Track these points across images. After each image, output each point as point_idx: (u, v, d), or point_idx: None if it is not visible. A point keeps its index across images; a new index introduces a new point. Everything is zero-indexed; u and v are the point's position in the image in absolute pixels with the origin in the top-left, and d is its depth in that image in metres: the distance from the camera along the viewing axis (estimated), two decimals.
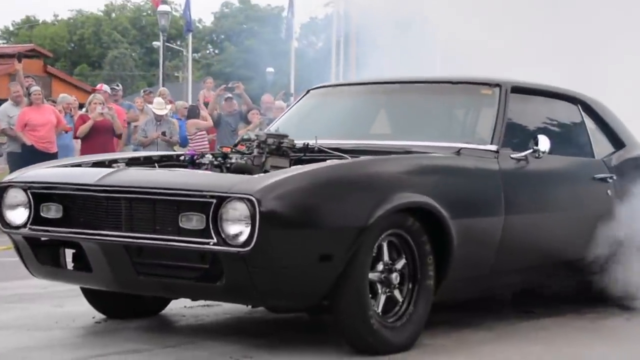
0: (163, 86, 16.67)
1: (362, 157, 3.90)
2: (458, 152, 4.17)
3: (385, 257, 3.71)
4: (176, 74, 43.32)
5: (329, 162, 3.73)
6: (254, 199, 3.32)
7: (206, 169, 4.02)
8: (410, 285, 3.79)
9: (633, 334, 4.40)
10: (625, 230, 4.64)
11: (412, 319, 3.77)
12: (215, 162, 4.04)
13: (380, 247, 3.68)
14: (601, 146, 5.00)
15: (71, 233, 3.77)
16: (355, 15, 16.86)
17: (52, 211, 3.84)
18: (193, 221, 3.46)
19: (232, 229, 3.38)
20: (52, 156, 8.70)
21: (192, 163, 4.16)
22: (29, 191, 3.90)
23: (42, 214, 3.87)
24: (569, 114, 4.95)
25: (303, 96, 5.21)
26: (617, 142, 5.10)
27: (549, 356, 3.83)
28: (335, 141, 4.30)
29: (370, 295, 3.63)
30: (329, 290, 3.54)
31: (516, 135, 4.43)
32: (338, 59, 20.25)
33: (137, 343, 3.83)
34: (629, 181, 4.85)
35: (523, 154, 4.30)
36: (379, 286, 3.70)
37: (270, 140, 4.01)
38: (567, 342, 4.11)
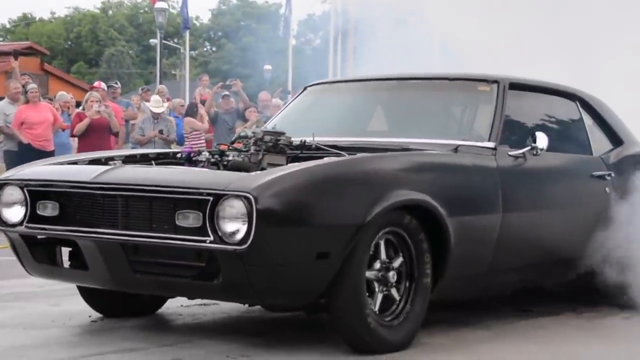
0: (160, 84, 16.63)
1: (360, 155, 3.88)
2: (455, 149, 4.16)
3: (383, 255, 3.70)
4: (173, 72, 43.29)
5: (326, 160, 3.71)
6: (250, 196, 3.31)
7: (203, 167, 4.00)
8: (407, 284, 3.78)
9: (630, 332, 4.40)
10: (623, 227, 4.63)
11: (409, 317, 3.76)
12: (212, 160, 4.03)
13: (377, 245, 3.67)
14: (599, 143, 4.99)
15: (67, 231, 3.76)
16: (353, 9, 16.88)
17: (49, 209, 3.83)
18: (190, 219, 3.44)
19: (228, 226, 3.36)
20: (49, 154, 8.66)
21: (189, 160, 4.15)
22: (25, 189, 3.88)
23: (38, 211, 3.85)
24: (567, 110, 4.94)
25: (300, 93, 5.20)
26: (615, 139, 5.10)
27: (547, 355, 3.82)
28: (333, 138, 4.29)
29: (367, 294, 3.61)
30: (326, 289, 3.53)
31: (514, 132, 4.41)
32: (335, 54, 20.24)
33: (134, 342, 3.82)
34: (627, 178, 4.85)
35: (521, 151, 4.29)
36: (376, 284, 3.69)
37: (267, 138, 3.99)
38: (565, 340, 4.10)
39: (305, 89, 5.19)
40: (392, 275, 3.71)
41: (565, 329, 4.33)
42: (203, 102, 11.11)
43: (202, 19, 56.65)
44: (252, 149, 3.99)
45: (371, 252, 3.64)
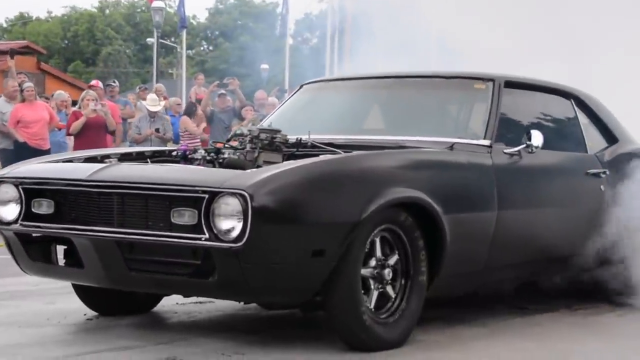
0: (157, 83, 16.61)
1: (355, 152, 3.88)
2: (451, 147, 4.16)
3: (378, 252, 3.70)
4: (170, 71, 43.24)
5: (321, 157, 3.71)
6: (246, 194, 3.31)
7: (198, 164, 4.00)
8: (403, 281, 3.78)
9: (625, 329, 4.41)
10: (617, 224, 4.64)
11: (404, 314, 3.76)
12: (208, 158, 4.03)
13: (373, 243, 3.67)
14: (594, 141, 5.00)
15: (62, 229, 3.75)
16: (351, 5, 16.91)
17: (44, 207, 3.82)
18: (185, 217, 3.44)
19: (224, 224, 3.36)
20: (45, 153, 8.66)
21: (185, 158, 4.14)
22: (20, 187, 3.87)
23: (33, 209, 3.85)
24: (562, 109, 4.95)
25: (296, 91, 5.20)
26: (610, 137, 5.11)
27: (542, 352, 3.82)
28: (329, 136, 4.29)
29: (362, 291, 3.61)
30: (322, 286, 3.53)
31: (509, 130, 4.42)
32: (333, 52, 20.25)
33: (129, 340, 3.82)
34: (622, 176, 4.85)
35: (516, 148, 4.30)
36: (371, 282, 3.69)
37: (263, 136, 3.99)
38: (560, 338, 4.11)
39: (301, 86, 5.20)
40: (387, 273, 3.71)
41: (561, 326, 4.34)
42: (199, 101, 11.10)
43: (199, 18, 56.72)
44: (248, 146, 3.99)
45: (367, 250, 3.64)
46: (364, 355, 3.60)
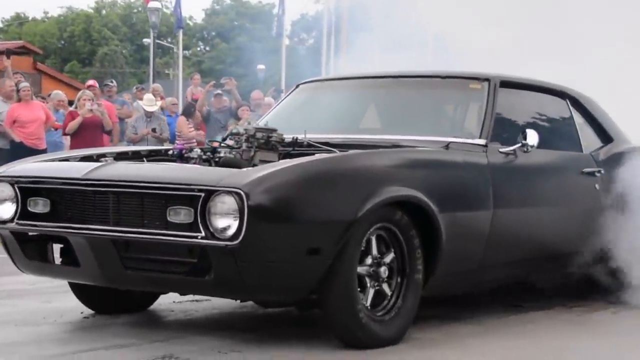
0: (154, 83, 16.60)
1: (351, 151, 3.90)
2: (447, 146, 4.17)
3: (374, 251, 3.71)
4: (167, 71, 43.22)
5: (317, 156, 3.72)
6: (242, 192, 3.32)
7: (194, 163, 4.01)
8: (398, 279, 3.79)
9: (619, 327, 4.43)
10: (612, 223, 4.66)
11: (400, 312, 3.77)
12: (204, 156, 4.04)
13: (368, 241, 3.68)
14: (589, 140, 5.02)
15: (59, 228, 3.76)
16: (347, 2, 16.93)
17: (40, 206, 3.83)
18: (181, 215, 3.45)
19: (220, 222, 3.37)
20: (41, 153, 8.64)
21: (181, 157, 4.15)
22: (16, 185, 3.88)
23: (29, 208, 3.85)
24: (557, 108, 4.96)
25: (293, 90, 5.21)
26: (605, 136, 5.13)
27: (537, 349, 3.84)
28: (325, 135, 4.30)
29: (358, 289, 3.63)
30: (318, 284, 3.54)
31: (505, 130, 4.43)
32: (329, 52, 20.26)
33: (126, 338, 3.82)
34: (617, 175, 4.87)
35: (511, 148, 4.31)
36: (367, 280, 3.70)
37: (259, 135, 4.00)
38: (555, 335, 4.12)
39: (297, 86, 5.20)
40: (383, 271, 3.72)
41: (556, 324, 4.36)
42: (195, 101, 11.10)
43: (196, 18, 56.66)
44: (244, 145, 4.00)
45: (363, 248, 3.65)
46: (360, 353, 3.61)
